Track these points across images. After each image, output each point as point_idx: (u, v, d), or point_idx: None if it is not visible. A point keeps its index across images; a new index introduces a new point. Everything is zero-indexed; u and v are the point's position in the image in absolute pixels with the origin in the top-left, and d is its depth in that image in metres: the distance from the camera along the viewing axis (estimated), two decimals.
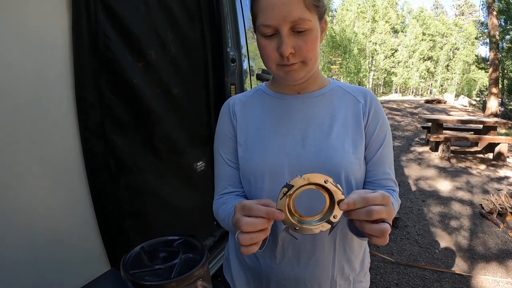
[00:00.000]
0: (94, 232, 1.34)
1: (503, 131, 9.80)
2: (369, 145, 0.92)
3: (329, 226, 0.64)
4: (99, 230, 1.36)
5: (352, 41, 36.94)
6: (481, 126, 6.92)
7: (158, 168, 1.60)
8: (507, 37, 16.28)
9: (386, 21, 40.88)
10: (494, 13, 14.30)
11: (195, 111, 1.87)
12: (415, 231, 3.74)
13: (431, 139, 6.57)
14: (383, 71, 41.80)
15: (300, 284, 0.93)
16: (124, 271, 0.51)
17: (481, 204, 4.20)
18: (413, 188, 5.12)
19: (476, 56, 25.71)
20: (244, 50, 2.19)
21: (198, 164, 1.89)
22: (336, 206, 0.64)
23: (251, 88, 2.39)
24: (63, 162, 1.22)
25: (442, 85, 46.66)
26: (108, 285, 1.23)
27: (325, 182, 0.62)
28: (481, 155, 6.67)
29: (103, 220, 1.35)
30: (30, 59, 1.09)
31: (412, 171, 5.92)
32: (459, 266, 3.05)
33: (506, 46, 16.57)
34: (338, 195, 0.63)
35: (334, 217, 0.64)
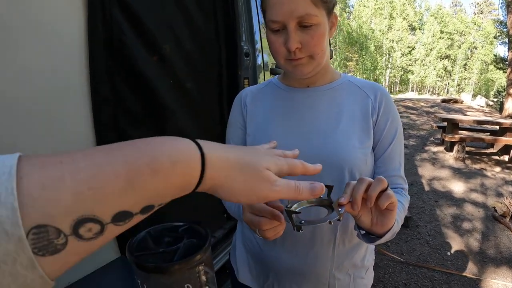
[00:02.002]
0: None
1: None
2: (379, 142, 0.92)
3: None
4: None
5: (369, 37, 36.46)
6: (497, 127, 6.80)
7: None
8: None
9: (404, 18, 40.20)
10: None
11: (208, 105, 1.88)
12: (426, 232, 3.71)
13: (446, 139, 6.47)
14: (399, 68, 41.22)
15: (299, 275, 0.95)
16: (129, 253, 0.52)
17: (494, 207, 4.14)
18: (426, 188, 5.07)
19: (494, 55, 25.17)
20: (258, 45, 2.19)
21: None
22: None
23: None
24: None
25: (459, 85, 45.81)
26: (118, 272, 1.27)
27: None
28: (497, 157, 6.55)
29: None
30: (46, 53, 1.11)
31: (426, 170, 5.85)
32: (469, 268, 3.02)
33: None
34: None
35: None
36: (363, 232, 0.80)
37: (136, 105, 1.43)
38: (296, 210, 0.66)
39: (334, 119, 0.90)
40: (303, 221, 0.63)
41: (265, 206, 0.70)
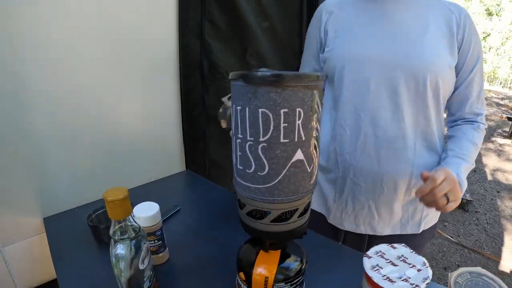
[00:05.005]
0: (178, 135, 1.43)
1: None
2: (464, 63, 0.91)
3: None
4: (182, 134, 1.42)
5: None
6: None
7: None
8: None
9: (481, 1, 36.86)
10: None
11: (288, 39, 1.78)
12: (485, 219, 3.52)
13: None
14: None
15: (377, 185, 0.94)
16: (233, 74, 0.47)
17: None
18: (489, 177, 4.75)
19: None
20: None
21: None
22: None
23: None
24: (160, 52, 1.28)
25: None
26: (182, 180, 1.43)
27: None
28: None
29: (187, 123, 1.41)
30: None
31: (490, 161, 5.48)
32: None
33: None
34: None
35: None
36: None
37: (221, 18, 1.41)
38: None
39: (421, 27, 0.88)
40: None
41: None
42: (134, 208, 0.76)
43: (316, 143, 0.49)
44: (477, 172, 4.86)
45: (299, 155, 0.46)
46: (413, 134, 0.92)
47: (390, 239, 0.99)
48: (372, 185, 0.94)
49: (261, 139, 0.45)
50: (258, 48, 1.57)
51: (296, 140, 0.46)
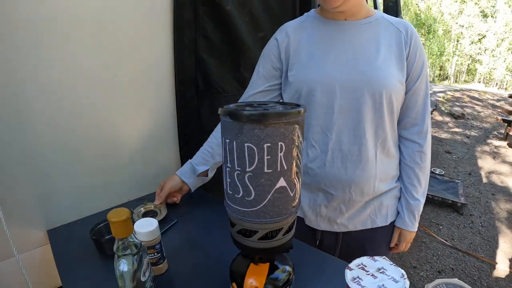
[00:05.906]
0: (175, 148, 1.49)
1: None
2: (411, 72, 1.02)
3: None
4: (179, 147, 1.48)
5: (438, 21, 34.07)
6: None
7: (240, 95, 1.62)
8: None
9: (476, 3, 36.88)
10: None
11: None
12: (479, 222, 3.56)
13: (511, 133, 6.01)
14: (467, 57, 38.30)
15: (346, 192, 1.05)
16: (223, 110, 0.53)
17: None
18: (484, 180, 4.79)
19: None
20: None
21: None
22: None
23: None
24: (157, 69, 1.33)
25: None
26: None
27: None
28: None
29: (183, 137, 1.46)
30: None
31: (486, 163, 5.52)
32: None
33: None
34: None
35: None
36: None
37: (215, 33, 1.47)
38: None
39: (374, 49, 0.99)
40: None
41: None
42: (135, 224, 0.82)
43: (297, 170, 0.55)
44: (472, 175, 4.90)
45: (281, 182, 0.53)
46: (374, 146, 1.03)
47: (364, 233, 1.13)
48: (341, 193, 1.05)
49: (247, 169, 0.51)
50: (251, 61, 1.62)
51: (278, 170, 0.52)
